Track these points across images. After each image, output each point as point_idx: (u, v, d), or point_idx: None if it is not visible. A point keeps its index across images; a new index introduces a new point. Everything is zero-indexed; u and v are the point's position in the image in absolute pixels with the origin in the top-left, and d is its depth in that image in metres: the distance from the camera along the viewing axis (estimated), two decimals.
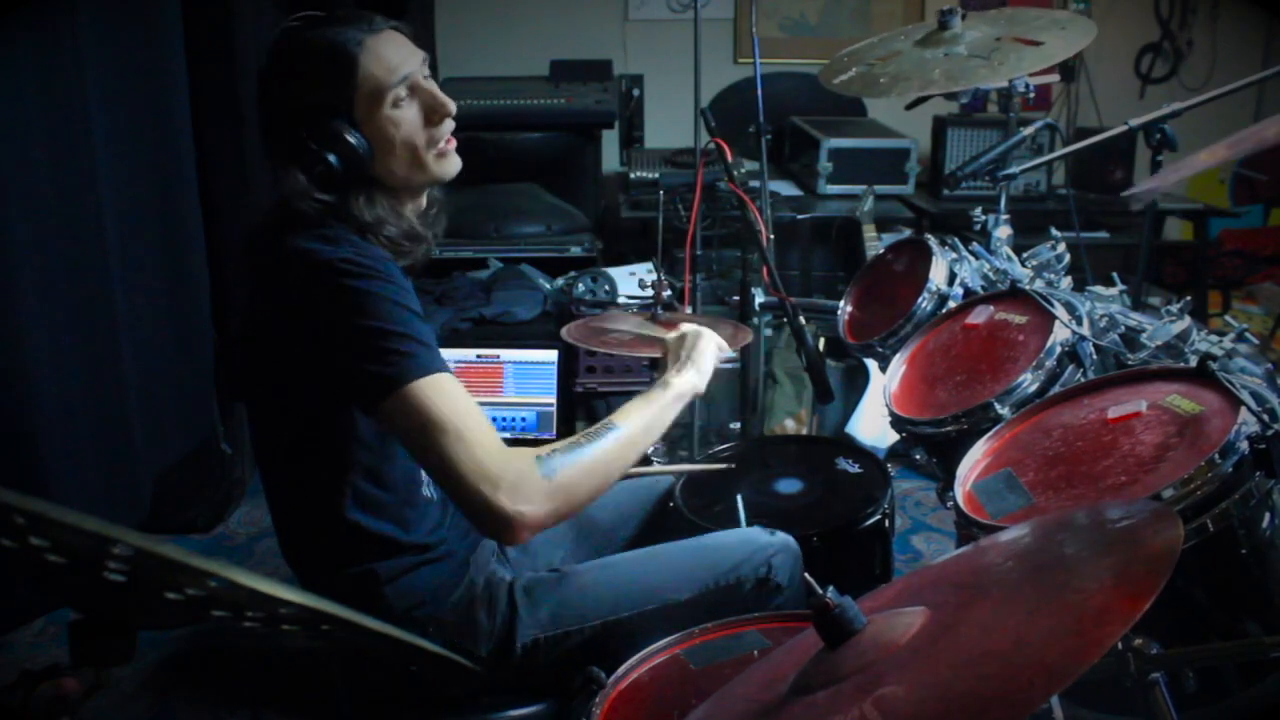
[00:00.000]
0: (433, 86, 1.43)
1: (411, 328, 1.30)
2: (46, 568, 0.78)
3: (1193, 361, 1.45)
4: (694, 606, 1.49)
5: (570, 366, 3.18)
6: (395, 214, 1.44)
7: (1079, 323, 1.67)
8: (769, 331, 3.38)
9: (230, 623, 0.89)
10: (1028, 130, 2.33)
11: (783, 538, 1.60)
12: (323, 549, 1.48)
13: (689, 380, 1.55)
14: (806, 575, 0.98)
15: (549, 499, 1.28)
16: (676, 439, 3.21)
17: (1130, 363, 1.61)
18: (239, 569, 0.79)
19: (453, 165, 1.47)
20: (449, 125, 1.45)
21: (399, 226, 1.43)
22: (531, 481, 1.27)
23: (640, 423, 1.44)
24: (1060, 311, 1.67)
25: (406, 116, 1.40)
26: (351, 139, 1.37)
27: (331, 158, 1.35)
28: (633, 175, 3.80)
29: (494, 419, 2.96)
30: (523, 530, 1.27)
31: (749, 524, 1.81)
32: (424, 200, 1.52)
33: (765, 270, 2.27)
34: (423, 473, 1.49)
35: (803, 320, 2.11)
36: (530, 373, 3.04)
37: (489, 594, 1.52)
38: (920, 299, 1.99)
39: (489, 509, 1.25)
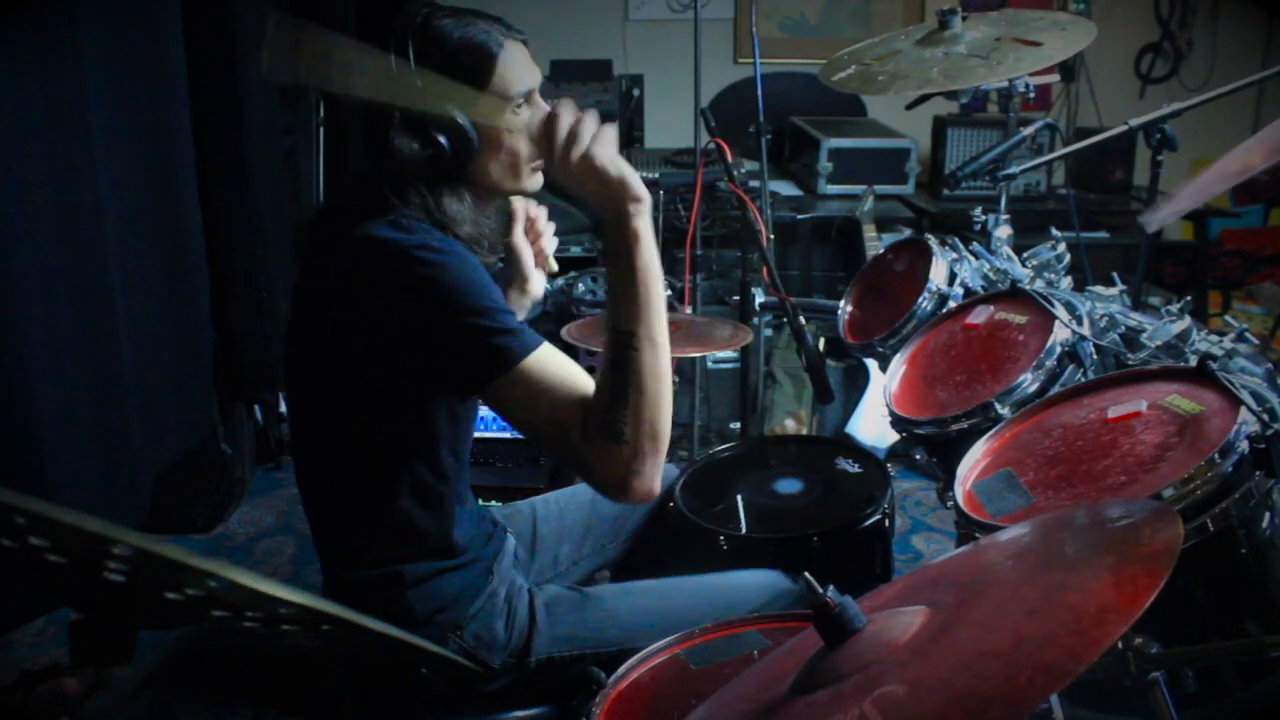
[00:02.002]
0: (546, 106, 1.43)
1: (504, 305, 1.33)
2: (46, 567, 0.78)
3: (1193, 361, 1.45)
4: None
5: None
6: (475, 214, 1.45)
7: (1079, 323, 1.67)
8: (769, 331, 3.38)
9: (230, 623, 0.89)
10: (1028, 130, 2.33)
11: (802, 585, 1.59)
12: (361, 541, 1.47)
13: (637, 199, 1.30)
14: (806, 575, 0.98)
15: (651, 459, 1.32)
16: (677, 439, 3.22)
17: (1130, 363, 1.61)
18: (238, 569, 0.79)
19: (538, 182, 1.49)
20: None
21: (476, 228, 1.44)
22: (652, 465, 1.32)
23: (646, 307, 1.33)
24: (1060, 311, 1.67)
25: (520, 125, 1.42)
26: (468, 130, 1.37)
27: (444, 141, 1.36)
28: None
29: (494, 419, 2.96)
30: (635, 501, 1.34)
31: (749, 525, 1.81)
32: (493, 209, 1.52)
33: (765, 270, 2.27)
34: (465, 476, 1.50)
35: (803, 320, 2.11)
36: None
37: (509, 605, 1.52)
38: (920, 299, 1.99)
39: (615, 487, 1.31)
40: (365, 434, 1.42)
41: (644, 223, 1.30)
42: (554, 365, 1.31)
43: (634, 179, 1.28)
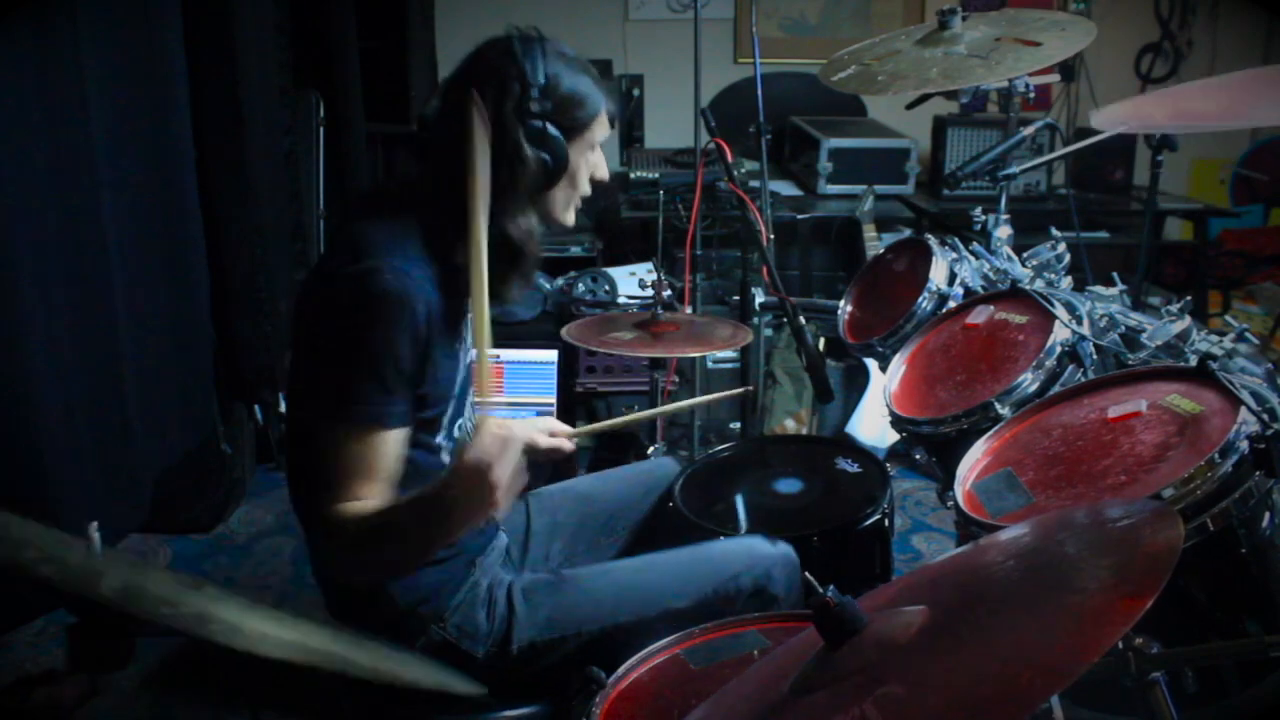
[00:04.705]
0: (603, 156, 1.58)
1: (380, 374, 1.36)
2: (40, 579, 0.78)
3: (1193, 361, 1.45)
4: (692, 613, 1.49)
5: (570, 366, 3.19)
6: (534, 233, 1.53)
7: (1079, 322, 1.67)
8: (769, 331, 3.38)
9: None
10: (1028, 130, 2.33)
11: (783, 549, 1.60)
12: None
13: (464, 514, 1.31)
14: (807, 574, 0.98)
15: (348, 566, 1.40)
16: (676, 439, 3.22)
17: (1130, 362, 1.61)
18: (235, 602, 0.77)
19: (571, 219, 1.60)
20: (589, 190, 1.59)
21: (534, 248, 1.53)
22: (338, 550, 1.38)
23: (421, 534, 1.35)
24: (1060, 311, 1.67)
25: (592, 164, 1.56)
26: (567, 159, 1.49)
27: (546, 158, 1.46)
28: (633, 175, 3.80)
29: None
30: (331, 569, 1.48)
31: (749, 524, 1.81)
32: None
33: (765, 270, 2.27)
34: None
35: (803, 320, 2.11)
36: (530, 372, 3.04)
37: (490, 596, 1.53)
38: (920, 299, 1.99)
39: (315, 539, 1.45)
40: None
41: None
42: (377, 455, 1.36)
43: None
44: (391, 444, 1.38)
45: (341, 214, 1.59)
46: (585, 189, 1.57)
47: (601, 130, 1.53)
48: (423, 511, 1.31)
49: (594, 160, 1.56)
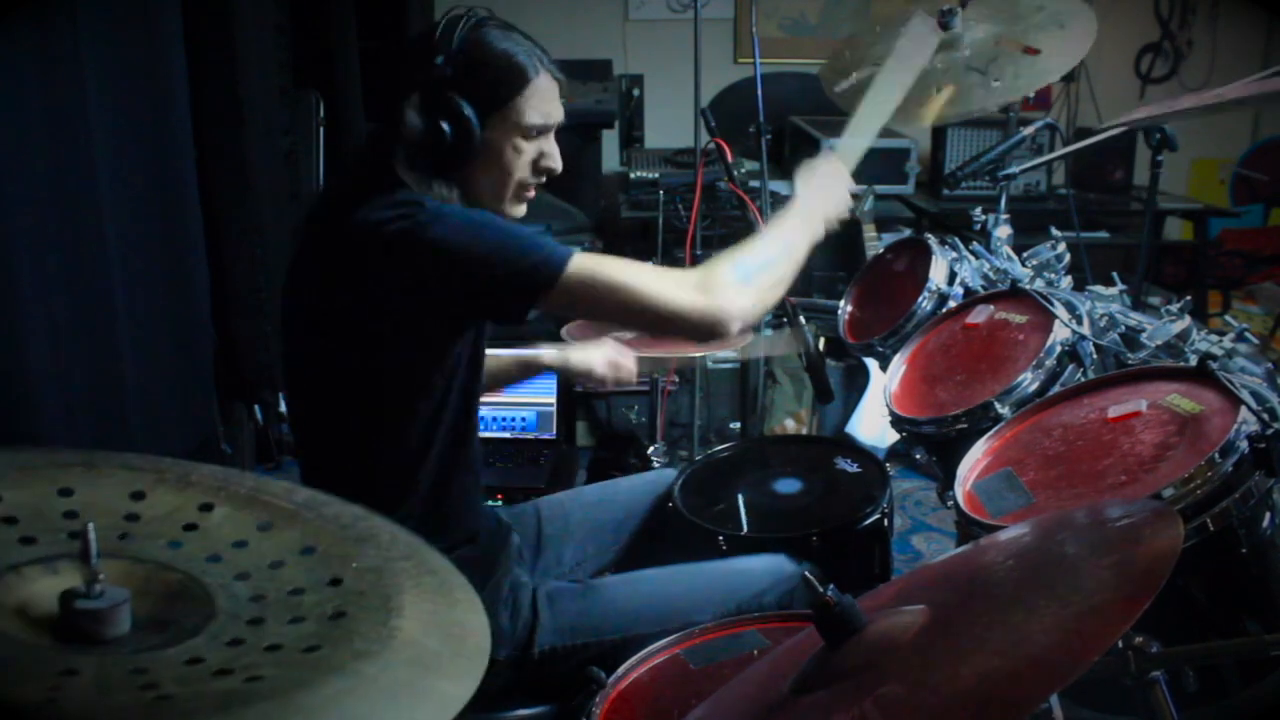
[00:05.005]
0: (555, 145, 1.50)
1: (521, 230, 1.40)
2: None
3: (1193, 361, 1.45)
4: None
5: None
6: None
7: (1079, 322, 1.66)
8: (769, 331, 3.38)
9: None
10: (1028, 130, 2.34)
11: (808, 569, 1.58)
12: None
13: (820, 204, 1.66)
14: (807, 574, 0.98)
15: (745, 291, 1.45)
16: (676, 439, 3.21)
17: (1130, 362, 1.61)
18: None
19: (520, 211, 1.54)
20: (542, 179, 1.51)
21: None
22: (728, 281, 1.43)
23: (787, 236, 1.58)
24: (1060, 311, 1.67)
25: (524, 152, 1.46)
26: (474, 131, 1.40)
27: (447, 129, 1.38)
28: (633, 175, 3.80)
29: (494, 419, 2.96)
30: (733, 321, 1.43)
31: (749, 525, 1.81)
32: None
33: None
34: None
35: (803, 320, 2.11)
36: None
37: (513, 597, 1.52)
38: (920, 299, 1.99)
39: (702, 314, 1.41)
40: (372, 427, 1.43)
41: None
42: (602, 258, 1.42)
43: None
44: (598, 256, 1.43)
45: (318, 212, 1.54)
46: (521, 174, 1.47)
47: (534, 111, 1.43)
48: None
49: (537, 146, 1.47)
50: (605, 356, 1.89)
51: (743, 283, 1.44)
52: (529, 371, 1.92)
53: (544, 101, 1.45)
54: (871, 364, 3.22)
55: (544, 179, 1.51)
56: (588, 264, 1.38)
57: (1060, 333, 1.64)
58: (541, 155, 1.48)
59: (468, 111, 1.38)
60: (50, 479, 0.84)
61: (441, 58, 1.38)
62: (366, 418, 1.45)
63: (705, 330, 1.43)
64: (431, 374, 1.43)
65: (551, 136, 1.49)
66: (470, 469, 1.54)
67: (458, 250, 1.35)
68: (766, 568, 1.60)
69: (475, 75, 1.39)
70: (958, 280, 2.02)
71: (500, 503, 1.85)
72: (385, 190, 1.39)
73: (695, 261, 2.92)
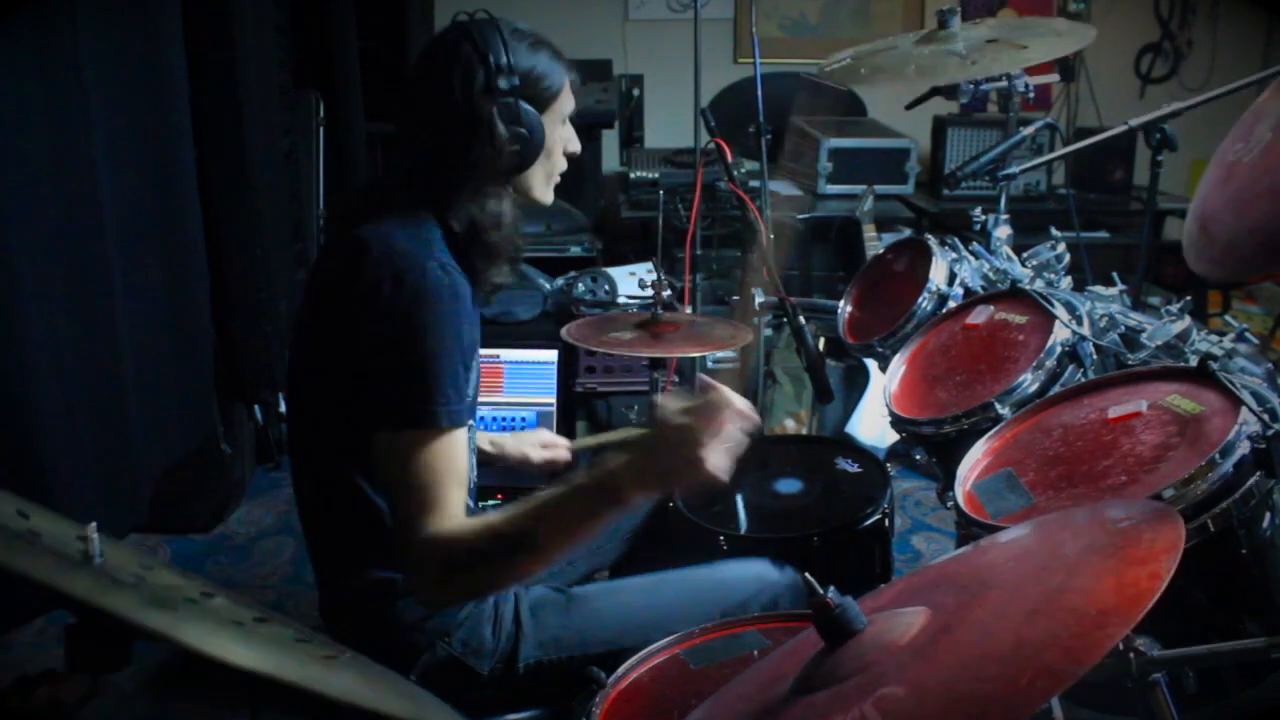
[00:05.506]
0: (572, 129, 1.57)
1: (450, 363, 1.33)
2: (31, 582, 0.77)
3: (1193, 361, 1.45)
4: None
5: (570, 366, 3.18)
6: (514, 216, 1.51)
7: (1079, 323, 1.67)
8: (769, 331, 3.38)
9: None
10: (1028, 130, 2.33)
11: (791, 576, 1.59)
12: (351, 548, 1.47)
13: (644, 489, 1.27)
14: (807, 575, 0.98)
15: (450, 597, 1.38)
16: None
17: (1130, 363, 1.61)
18: (195, 624, 0.74)
19: (550, 197, 1.59)
20: (565, 164, 1.58)
21: (509, 232, 1.49)
22: (433, 580, 1.30)
23: (551, 536, 1.26)
24: (1060, 311, 1.67)
25: (566, 139, 1.55)
26: (540, 131, 1.47)
27: (524, 134, 1.45)
28: (633, 175, 3.80)
29: (494, 419, 2.96)
30: (428, 606, 1.41)
31: (748, 525, 1.81)
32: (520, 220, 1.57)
33: (765, 270, 2.27)
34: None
35: (803, 320, 2.11)
36: (530, 373, 3.03)
37: (496, 611, 1.51)
38: (920, 299, 1.99)
39: (410, 580, 1.38)
40: (347, 441, 1.42)
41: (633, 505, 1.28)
42: (458, 457, 1.34)
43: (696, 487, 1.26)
44: (464, 446, 1.36)
45: (340, 215, 1.54)
46: (562, 163, 1.57)
47: (568, 102, 1.53)
48: (584, 501, 1.24)
49: (565, 134, 1.55)
50: (539, 440, 1.88)
51: (442, 577, 1.29)
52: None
53: (573, 87, 1.53)
54: (871, 364, 3.22)
55: (565, 162, 1.58)
56: (457, 451, 1.32)
57: (1060, 333, 1.64)
58: (568, 141, 1.56)
59: (533, 115, 1.46)
60: None
61: (501, 69, 1.43)
62: (338, 437, 1.43)
63: (413, 590, 1.40)
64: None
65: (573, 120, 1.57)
66: None
67: (408, 321, 1.32)
68: (751, 574, 1.59)
69: (532, 80, 1.46)
70: (958, 280, 2.02)
71: (499, 502, 1.85)
72: (414, 207, 1.43)
73: (695, 261, 2.92)
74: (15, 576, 0.68)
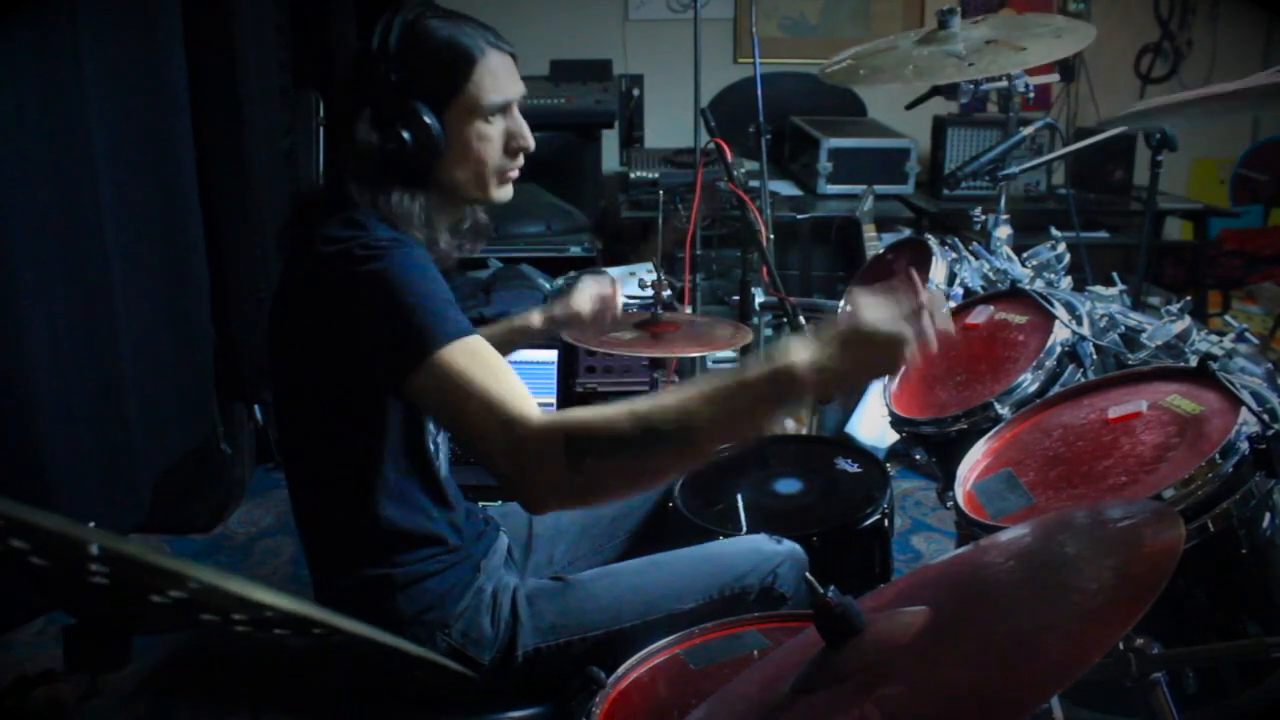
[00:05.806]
0: (522, 121, 1.45)
1: (442, 293, 1.29)
2: (34, 571, 0.77)
3: (1193, 361, 1.45)
4: (698, 616, 1.47)
5: (570, 366, 3.18)
6: (426, 219, 1.42)
7: (1079, 323, 1.67)
8: (769, 331, 3.38)
9: (221, 626, 0.88)
10: (1028, 130, 2.33)
11: (789, 546, 1.57)
12: (345, 546, 1.47)
13: (817, 376, 1.17)
14: (808, 575, 0.98)
15: (573, 494, 1.25)
16: None
17: (1130, 363, 1.61)
18: (215, 569, 0.77)
19: (507, 194, 1.47)
20: (520, 159, 1.47)
21: (423, 233, 1.42)
22: (559, 472, 1.20)
23: (713, 429, 1.19)
24: (1060, 311, 1.67)
25: (492, 135, 1.42)
26: (433, 129, 1.36)
27: (407, 136, 1.35)
28: (633, 175, 3.80)
29: None
30: (541, 508, 1.26)
31: (749, 524, 1.81)
32: (463, 215, 1.52)
33: (765, 270, 2.27)
34: (445, 466, 1.50)
35: (803, 320, 2.11)
36: (530, 372, 3.03)
37: (495, 601, 1.51)
38: None
39: (514, 484, 1.23)
40: (333, 439, 1.42)
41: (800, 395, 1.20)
42: (490, 354, 1.27)
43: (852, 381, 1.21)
44: (488, 346, 1.28)
45: (290, 225, 1.51)
46: (495, 160, 1.43)
47: (489, 91, 1.39)
48: (757, 395, 1.16)
49: (503, 128, 1.42)
50: (589, 294, 1.83)
51: (582, 491, 1.23)
52: (521, 338, 1.86)
53: (498, 79, 1.40)
54: None
55: (520, 159, 1.47)
56: (464, 357, 1.25)
57: (1060, 333, 1.64)
58: (511, 136, 1.44)
59: (423, 110, 1.35)
60: None
61: (384, 63, 1.35)
62: (325, 435, 1.43)
63: (508, 492, 1.26)
64: (366, 413, 1.39)
65: (516, 113, 1.44)
66: (432, 478, 1.49)
67: (371, 288, 1.28)
68: (747, 549, 1.57)
69: (422, 71, 1.36)
70: (958, 280, 2.02)
71: (493, 502, 1.84)
72: (346, 205, 1.37)
73: (695, 261, 2.92)
74: (30, 528, 0.68)
